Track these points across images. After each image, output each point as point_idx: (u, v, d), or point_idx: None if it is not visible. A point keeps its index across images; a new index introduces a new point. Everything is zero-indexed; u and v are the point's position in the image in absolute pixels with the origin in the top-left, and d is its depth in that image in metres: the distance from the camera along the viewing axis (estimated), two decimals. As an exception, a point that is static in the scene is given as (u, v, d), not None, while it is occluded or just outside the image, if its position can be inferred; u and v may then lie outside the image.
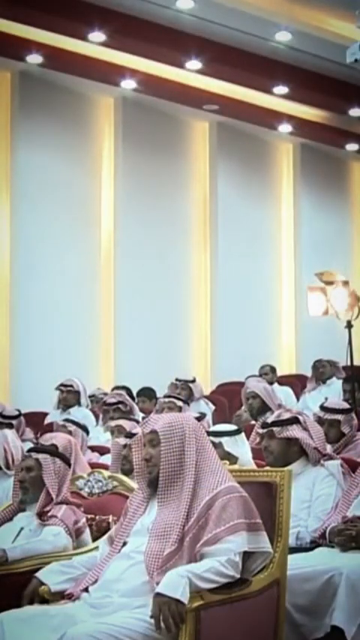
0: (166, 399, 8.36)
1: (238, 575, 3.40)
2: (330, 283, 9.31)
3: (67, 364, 10.69)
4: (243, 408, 8.24)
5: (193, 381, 9.87)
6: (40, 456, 4.48)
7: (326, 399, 6.84)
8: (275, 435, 4.84)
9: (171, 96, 12.03)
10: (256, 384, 8.20)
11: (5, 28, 10.13)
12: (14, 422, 7.29)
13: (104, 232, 12.08)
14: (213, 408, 9.76)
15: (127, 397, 8.41)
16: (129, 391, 9.14)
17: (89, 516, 4.56)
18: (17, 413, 7.52)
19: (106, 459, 6.40)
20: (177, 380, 9.82)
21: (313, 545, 4.48)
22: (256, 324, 13.24)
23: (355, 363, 9.05)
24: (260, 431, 4.99)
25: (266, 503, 3.69)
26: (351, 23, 9.60)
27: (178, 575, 3.27)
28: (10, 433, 5.86)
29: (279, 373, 11.12)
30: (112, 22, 10.05)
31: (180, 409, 7.92)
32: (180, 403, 8.15)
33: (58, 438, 5.06)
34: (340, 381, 9.05)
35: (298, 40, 10.82)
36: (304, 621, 3.97)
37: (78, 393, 9.22)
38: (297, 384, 10.55)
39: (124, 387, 9.23)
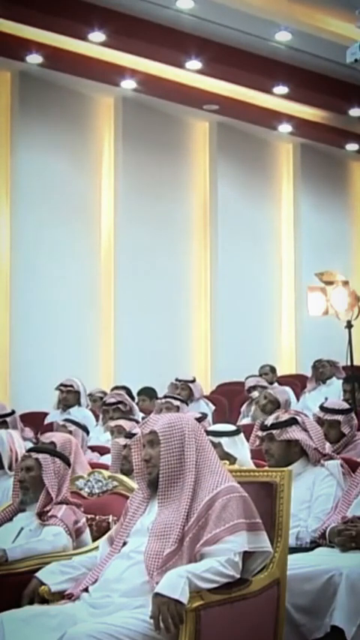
0: (164, 400, 8.37)
1: (238, 575, 3.40)
2: (330, 283, 9.31)
3: (67, 364, 10.69)
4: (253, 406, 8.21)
5: (193, 381, 9.87)
6: (40, 456, 4.48)
7: (326, 399, 6.84)
8: (275, 438, 4.84)
9: (171, 96, 12.03)
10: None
11: (5, 28, 10.13)
12: (8, 419, 7.24)
13: (104, 232, 12.08)
14: (213, 408, 9.76)
15: (127, 397, 8.40)
16: (129, 391, 9.13)
17: (89, 516, 4.56)
18: (11, 410, 7.47)
19: (106, 459, 6.40)
20: (177, 380, 9.83)
21: (313, 545, 4.48)
22: (256, 324, 13.24)
23: (355, 363, 9.05)
24: (260, 434, 4.98)
25: (266, 503, 3.69)
26: (351, 23, 9.61)
27: (178, 575, 3.27)
28: (15, 433, 5.87)
29: (279, 373, 11.12)
30: (112, 22, 10.05)
31: (178, 409, 7.92)
32: (177, 403, 8.15)
33: (57, 437, 5.07)
34: (340, 381, 9.05)
35: (298, 40, 10.82)
36: (304, 621, 3.97)
37: (78, 393, 9.22)
38: (297, 384, 10.54)
39: (124, 387, 9.23)
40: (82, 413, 8.90)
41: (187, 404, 8.56)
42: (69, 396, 9.18)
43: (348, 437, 5.90)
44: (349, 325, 9.01)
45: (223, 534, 3.40)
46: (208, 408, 9.62)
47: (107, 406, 8.23)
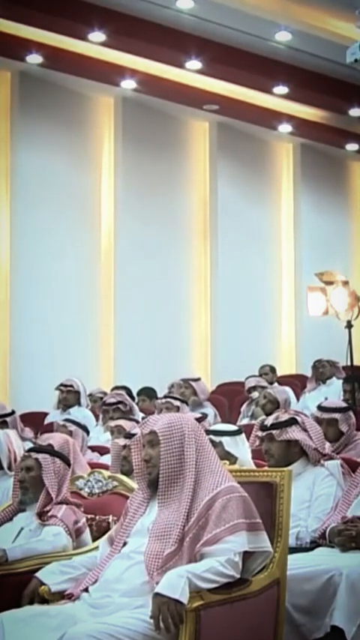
0: (164, 400, 8.36)
1: (238, 575, 3.40)
2: (330, 283, 9.32)
3: (67, 364, 10.69)
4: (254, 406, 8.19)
5: (197, 379, 9.82)
6: (40, 456, 4.48)
7: (326, 399, 6.84)
8: (275, 438, 4.84)
9: (171, 96, 12.03)
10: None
11: (5, 28, 10.14)
12: (8, 419, 7.25)
13: (104, 232, 12.08)
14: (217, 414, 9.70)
15: (127, 397, 8.40)
16: (129, 391, 9.13)
17: (89, 516, 4.56)
18: (11, 410, 7.48)
19: (106, 459, 6.40)
20: (182, 380, 9.77)
21: (313, 545, 4.48)
22: (256, 324, 13.24)
23: (355, 363, 9.06)
24: (260, 434, 4.98)
25: (266, 503, 3.69)
26: (351, 23, 9.61)
27: (178, 575, 3.26)
28: (12, 433, 5.86)
29: (279, 373, 11.11)
30: (112, 22, 10.06)
31: (178, 409, 7.92)
32: (177, 403, 8.14)
33: (55, 438, 5.06)
34: (340, 381, 9.05)
35: (298, 40, 10.82)
36: (304, 621, 3.97)
37: (78, 393, 9.22)
38: (297, 384, 10.53)
39: (124, 387, 9.23)
40: (82, 413, 8.90)
41: (187, 403, 8.55)
42: (69, 396, 9.18)
43: (347, 435, 5.89)
44: (349, 325, 9.03)
45: (223, 534, 3.40)
46: (214, 413, 9.51)
47: (107, 406, 8.23)
